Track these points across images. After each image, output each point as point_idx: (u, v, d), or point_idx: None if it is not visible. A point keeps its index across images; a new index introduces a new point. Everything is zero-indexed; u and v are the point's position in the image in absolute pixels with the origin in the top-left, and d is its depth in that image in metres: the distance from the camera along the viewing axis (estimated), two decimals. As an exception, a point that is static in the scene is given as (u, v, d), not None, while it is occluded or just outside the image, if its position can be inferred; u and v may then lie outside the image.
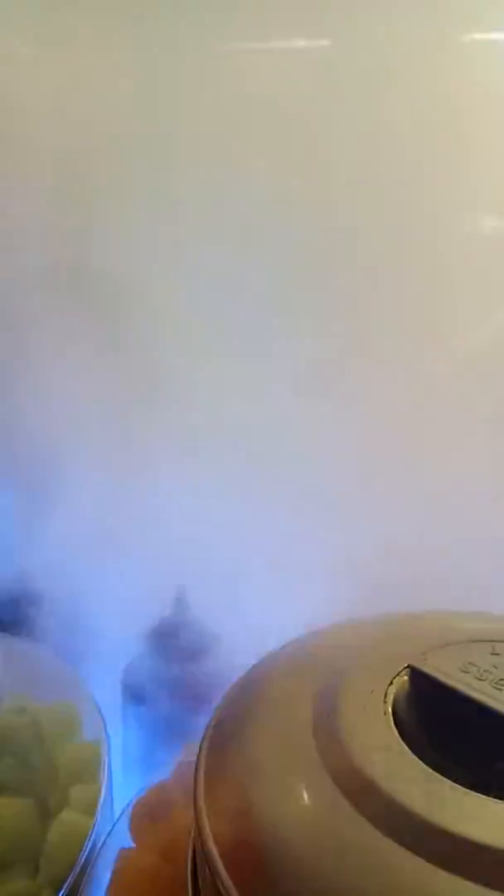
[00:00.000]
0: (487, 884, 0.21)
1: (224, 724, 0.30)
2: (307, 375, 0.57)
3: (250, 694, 0.31)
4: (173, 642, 0.49)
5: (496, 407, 0.57)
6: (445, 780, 0.25)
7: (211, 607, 0.51)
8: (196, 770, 0.28)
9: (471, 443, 0.55)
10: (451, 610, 0.35)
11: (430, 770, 0.25)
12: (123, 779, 0.48)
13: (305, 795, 0.25)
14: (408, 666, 0.30)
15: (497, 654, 0.31)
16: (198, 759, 0.28)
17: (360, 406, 0.56)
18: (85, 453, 0.58)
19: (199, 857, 0.26)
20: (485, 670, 0.29)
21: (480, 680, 0.29)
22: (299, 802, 0.25)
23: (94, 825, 0.38)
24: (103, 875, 0.36)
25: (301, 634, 0.33)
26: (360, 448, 0.56)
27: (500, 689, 0.28)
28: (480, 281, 0.56)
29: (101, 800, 0.39)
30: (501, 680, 0.29)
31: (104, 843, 0.38)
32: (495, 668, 0.30)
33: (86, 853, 0.37)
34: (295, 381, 0.57)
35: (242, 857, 0.24)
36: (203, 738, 0.30)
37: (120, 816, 0.38)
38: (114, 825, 0.38)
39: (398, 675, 0.29)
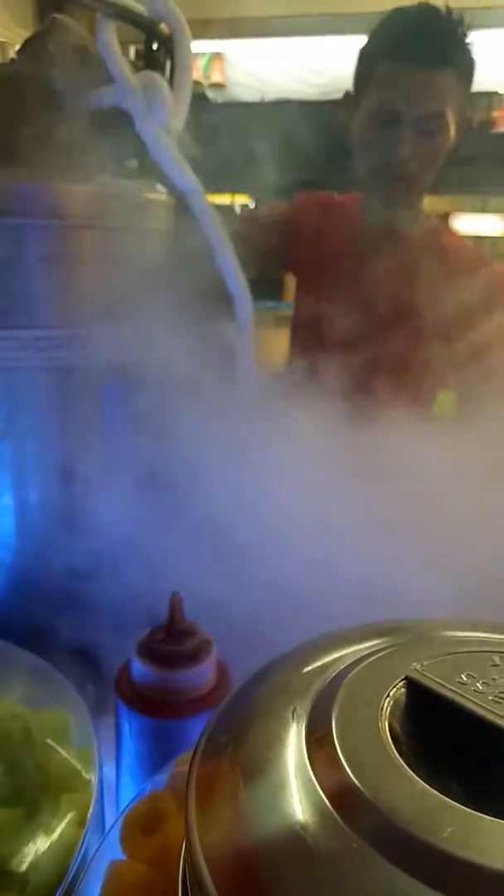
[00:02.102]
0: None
1: (217, 736, 0.29)
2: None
3: (244, 706, 0.30)
4: (166, 648, 0.48)
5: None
6: (442, 797, 0.24)
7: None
8: (188, 783, 0.27)
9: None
10: (446, 618, 0.34)
11: (427, 787, 0.24)
12: (116, 789, 0.47)
13: (298, 812, 0.24)
14: (405, 677, 0.29)
15: (497, 665, 0.30)
16: (189, 772, 0.28)
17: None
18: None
19: (190, 872, 0.26)
20: (485, 682, 0.29)
21: (480, 693, 0.28)
22: (291, 819, 0.24)
23: (84, 836, 0.37)
24: (94, 888, 0.35)
25: (296, 645, 0.33)
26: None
27: (501, 702, 0.27)
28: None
29: (92, 810, 0.38)
30: (502, 692, 0.28)
31: (95, 854, 0.37)
32: (495, 679, 0.29)
33: (76, 865, 0.36)
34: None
35: (233, 873, 0.24)
36: (196, 750, 0.29)
37: (111, 827, 0.37)
38: (105, 836, 0.37)
39: (395, 686, 0.29)
